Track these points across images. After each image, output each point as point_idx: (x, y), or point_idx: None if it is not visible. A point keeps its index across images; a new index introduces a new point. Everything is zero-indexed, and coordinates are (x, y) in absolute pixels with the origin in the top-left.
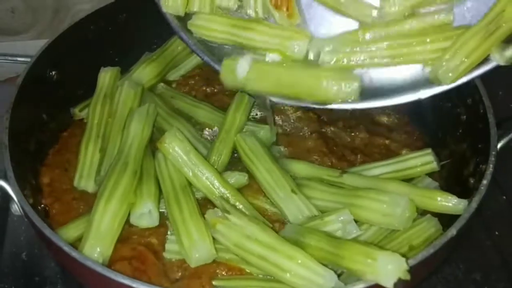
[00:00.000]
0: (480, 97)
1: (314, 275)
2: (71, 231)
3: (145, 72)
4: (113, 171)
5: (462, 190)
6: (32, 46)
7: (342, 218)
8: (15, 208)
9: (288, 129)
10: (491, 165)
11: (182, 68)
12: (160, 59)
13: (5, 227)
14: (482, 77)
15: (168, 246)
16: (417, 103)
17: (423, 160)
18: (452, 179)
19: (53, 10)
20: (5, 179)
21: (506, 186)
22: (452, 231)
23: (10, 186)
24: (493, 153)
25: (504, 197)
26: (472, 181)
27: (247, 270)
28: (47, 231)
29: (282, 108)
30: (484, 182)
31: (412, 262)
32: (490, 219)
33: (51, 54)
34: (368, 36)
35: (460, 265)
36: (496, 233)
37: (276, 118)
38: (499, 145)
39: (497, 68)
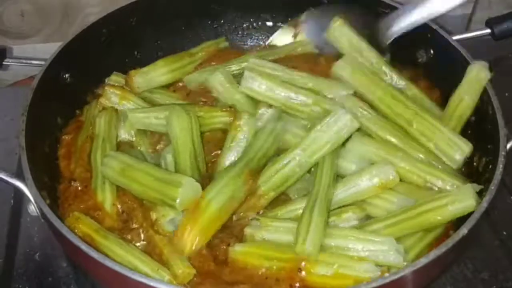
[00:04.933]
0: (489, 98)
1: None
2: None
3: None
4: None
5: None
6: (41, 49)
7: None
8: (32, 208)
9: None
10: (500, 166)
11: None
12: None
13: (18, 228)
14: None
15: None
16: None
17: None
18: None
19: (62, 13)
20: (22, 180)
21: None
22: (464, 230)
23: (28, 187)
24: (503, 153)
25: None
26: (481, 181)
27: None
28: (64, 230)
29: None
30: (494, 182)
31: (424, 261)
32: (498, 219)
33: (64, 57)
34: None
35: (469, 265)
36: (504, 233)
37: None
38: (508, 146)
39: None
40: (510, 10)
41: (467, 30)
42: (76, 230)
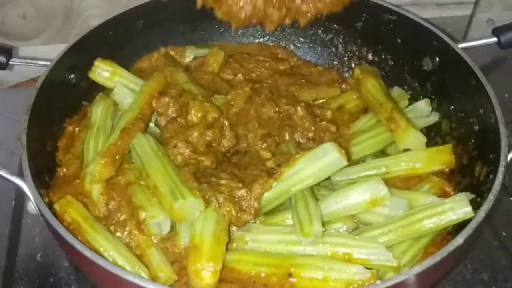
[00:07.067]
0: (492, 108)
1: None
2: None
3: None
4: None
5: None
6: (43, 51)
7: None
8: (31, 207)
9: None
10: (500, 176)
11: None
12: None
13: (20, 229)
14: None
15: None
16: None
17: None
18: (462, 188)
19: (63, 16)
20: (22, 177)
21: None
22: (459, 240)
23: (27, 184)
24: (503, 163)
25: (511, 199)
26: (482, 190)
27: None
28: (61, 230)
29: None
30: (493, 192)
31: (418, 269)
32: (498, 220)
33: (70, 57)
34: None
35: (468, 265)
36: (504, 233)
37: None
38: (509, 157)
39: None
40: (510, 11)
41: (467, 31)
42: (66, 214)
